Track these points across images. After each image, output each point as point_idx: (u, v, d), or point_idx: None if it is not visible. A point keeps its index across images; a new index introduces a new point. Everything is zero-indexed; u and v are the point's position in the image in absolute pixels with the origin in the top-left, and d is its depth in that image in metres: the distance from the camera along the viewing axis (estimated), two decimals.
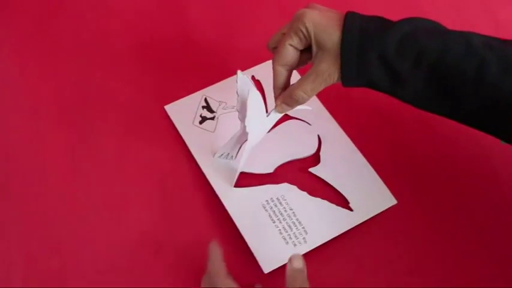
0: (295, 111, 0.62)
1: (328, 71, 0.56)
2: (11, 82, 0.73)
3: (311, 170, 0.67)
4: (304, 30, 0.55)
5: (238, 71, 0.59)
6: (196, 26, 0.79)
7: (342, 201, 0.65)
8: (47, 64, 0.75)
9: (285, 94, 0.59)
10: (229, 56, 0.75)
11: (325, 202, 0.65)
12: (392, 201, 0.65)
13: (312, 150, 0.68)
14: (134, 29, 0.78)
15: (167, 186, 0.67)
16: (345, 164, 0.67)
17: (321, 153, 0.68)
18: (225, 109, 0.71)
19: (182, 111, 0.71)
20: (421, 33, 0.53)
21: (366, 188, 0.65)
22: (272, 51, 0.60)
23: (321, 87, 0.57)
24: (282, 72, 0.59)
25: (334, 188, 0.66)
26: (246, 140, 0.62)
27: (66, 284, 0.60)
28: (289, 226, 0.63)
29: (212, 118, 0.71)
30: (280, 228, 0.63)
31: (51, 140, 0.69)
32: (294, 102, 0.59)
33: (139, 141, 0.70)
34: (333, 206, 0.65)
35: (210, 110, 0.71)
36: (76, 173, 0.67)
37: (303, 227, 0.63)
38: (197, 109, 0.71)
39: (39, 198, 0.65)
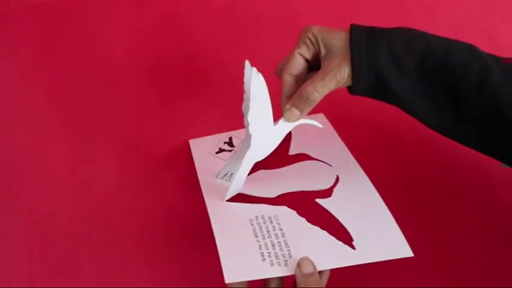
0: (304, 126, 0.57)
1: (338, 66, 0.54)
2: (16, 105, 0.74)
3: (318, 200, 0.58)
4: (311, 36, 0.56)
5: (247, 61, 0.55)
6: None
7: (344, 236, 0.54)
8: (52, 86, 0.75)
9: (294, 96, 0.56)
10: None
11: (324, 232, 0.54)
12: (408, 253, 0.52)
13: (325, 187, 0.60)
14: (141, 54, 0.78)
15: (168, 205, 0.64)
16: (359, 202, 0.58)
17: (334, 189, 0.59)
18: None
19: (203, 144, 0.68)
20: (429, 34, 0.54)
21: (377, 230, 0.54)
22: (280, 75, 0.59)
23: (331, 85, 0.55)
24: (290, 82, 0.57)
25: (339, 221, 0.55)
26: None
27: None
28: (273, 245, 0.53)
29: (230, 151, 0.67)
30: (262, 244, 0.53)
31: (55, 158, 0.68)
32: (304, 101, 0.55)
33: (145, 161, 0.68)
34: (333, 238, 0.54)
35: (231, 145, 0.68)
36: (80, 190, 0.66)
37: (289, 250, 0.52)
38: (218, 143, 0.68)
39: (42, 213, 0.64)
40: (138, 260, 0.60)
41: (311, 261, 0.50)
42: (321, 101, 0.56)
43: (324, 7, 0.78)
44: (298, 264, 0.49)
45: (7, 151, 0.69)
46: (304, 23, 0.58)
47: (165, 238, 0.62)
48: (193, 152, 0.67)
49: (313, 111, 0.58)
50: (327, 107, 0.67)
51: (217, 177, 0.62)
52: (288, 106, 0.56)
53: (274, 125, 0.57)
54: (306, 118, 0.58)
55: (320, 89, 0.54)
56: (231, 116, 0.69)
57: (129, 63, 0.76)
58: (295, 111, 0.56)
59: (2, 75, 0.75)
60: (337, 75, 0.54)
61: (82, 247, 0.61)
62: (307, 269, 0.49)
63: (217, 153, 0.67)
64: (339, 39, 0.54)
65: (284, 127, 0.57)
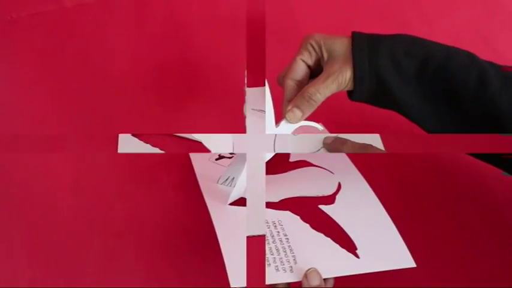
0: (305, 128, 0.57)
1: (340, 69, 0.55)
2: (17, 112, 0.73)
3: (321, 207, 0.57)
4: (313, 42, 0.57)
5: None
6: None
7: (348, 245, 0.53)
8: (53, 93, 0.74)
9: (297, 97, 0.57)
10: None
11: (328, 239, 0.54)
12: (410, 263, 0.52)
13: (328, 193, 0.59)
14: (142, 62, 0.77)
15: (170, 216, 0.64)
16: (362, 211, 0.57)
17: (337, 196, 0.59)
18: None
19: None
20: (428, 40, 0.56)
21: (380, 240, 0.54)
22: (282, 83, 0.60)
23: (333, 87, 0.55)
24: (292, 86, 0.58)
25: (342, 229, 0.55)
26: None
27: None
28: (278, 250, 0.52)
29: (230, 157, 0.66)
30: (266, 248, 0.52)
31: (56, 163, 0.68)
32: (306, 101, 0.56)
33: (145, 167, 0.68)
34: (337, 246, 0.53)
35: (231, 152, 0.67)
36: (80, 203, 0.65)
37: (294, 256, 0.51)
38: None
39: (43, 217, 0.63)
40: (138, 266, 0.59)
41: (318, 273, 0.49)
42: (320, 108, 0.56)
43: (324, 16, 0.78)
44: (306, 276, 0.49)
45: (9, 154, 0.68)
46: (305, 32, 0.59)
47: (165, 244, 0.61)
48: (192, 158, 0.67)
49: (312, 120, 0.58)
50: (326, 114, 0.67)
51: (218, 182, 0.61)
52: (290, 107, 0.56)
53: (276, 127, 0.57)
54: (307, 121, 0.58)
55: (322, 90, 0.55)
56: (230, 123, 0.69)
57: (130, 70, 0.75)
58: (298, 112, 0.56)
59: (4, 83, 0.74)
60: (339, 78, 0.55)
61: (83, 253, 0.60)
62: (314, 281, 0.49)
63: (217, 159, 0.66)
64: (341, 44, 0.56)
65: (285, 129, 0.57)
